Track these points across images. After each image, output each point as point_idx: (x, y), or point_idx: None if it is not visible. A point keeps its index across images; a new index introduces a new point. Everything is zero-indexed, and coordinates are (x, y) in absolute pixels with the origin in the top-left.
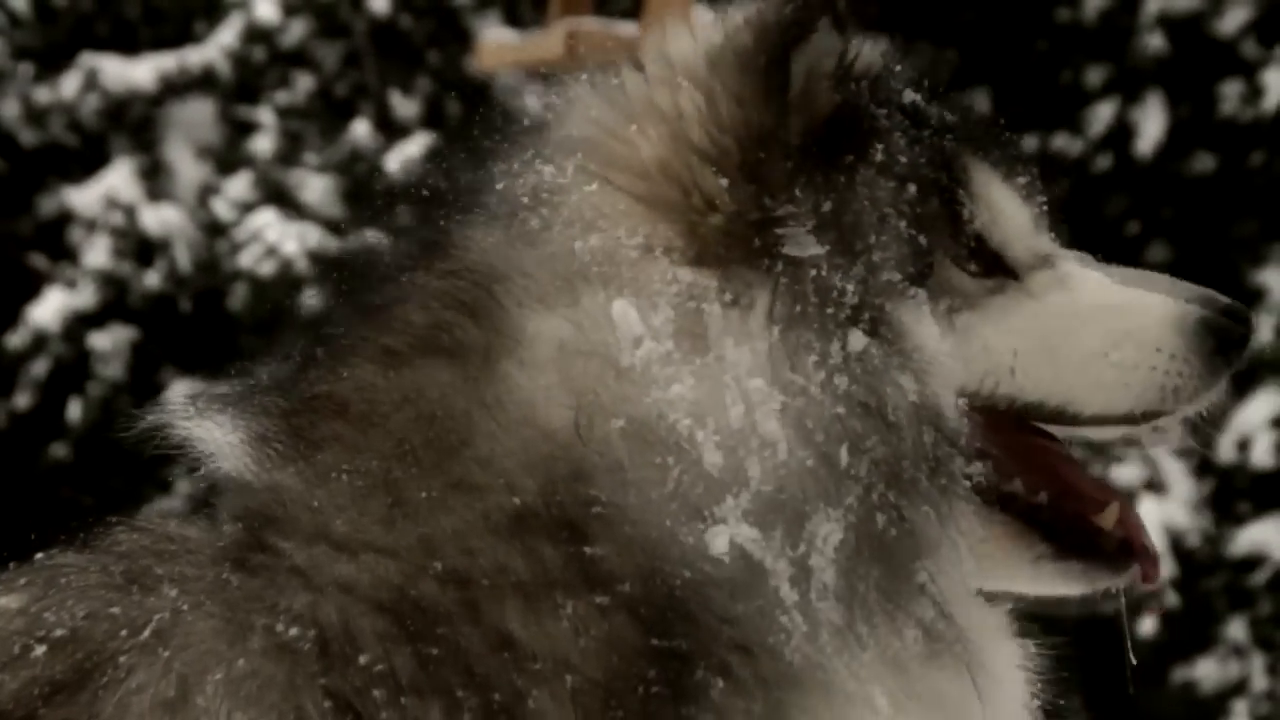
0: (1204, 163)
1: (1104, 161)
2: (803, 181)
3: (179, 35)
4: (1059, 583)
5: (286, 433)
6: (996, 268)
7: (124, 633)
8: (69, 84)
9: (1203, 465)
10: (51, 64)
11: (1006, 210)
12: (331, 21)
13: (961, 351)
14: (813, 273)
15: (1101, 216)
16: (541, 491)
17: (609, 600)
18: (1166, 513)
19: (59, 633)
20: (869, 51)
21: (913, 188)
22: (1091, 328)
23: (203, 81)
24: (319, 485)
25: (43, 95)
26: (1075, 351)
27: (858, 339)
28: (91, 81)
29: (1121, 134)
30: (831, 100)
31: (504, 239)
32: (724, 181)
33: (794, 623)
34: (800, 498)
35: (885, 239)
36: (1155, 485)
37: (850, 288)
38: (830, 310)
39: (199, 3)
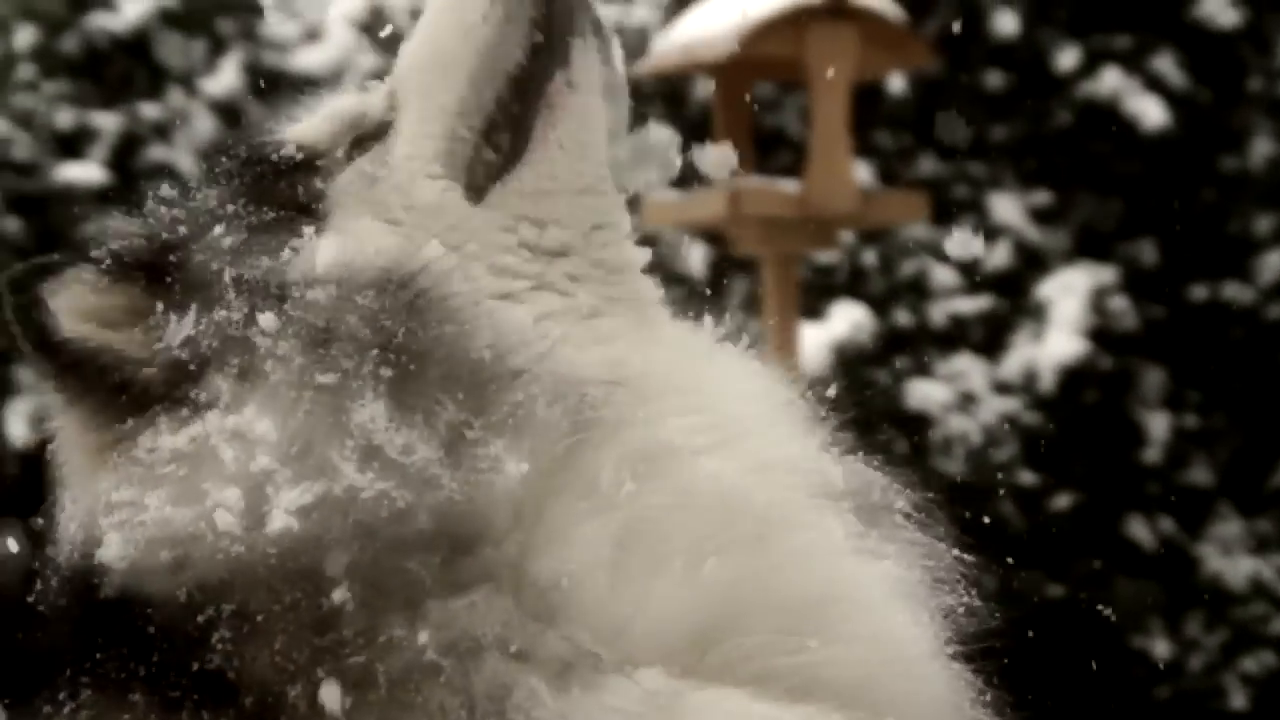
0: None
1: (1275, 310)
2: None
3: None
4: None
5: None
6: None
7: None
8: None
9: None
10: None
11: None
12: None
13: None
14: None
15: (1276, 367)
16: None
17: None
18: None
19: None
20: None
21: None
22: None
23: None
24: None
25: None
26: None
27: (267, 320)
28: None
29: None
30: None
31: None
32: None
33: (414, 491)
34: (315, 433)
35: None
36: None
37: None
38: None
39: None
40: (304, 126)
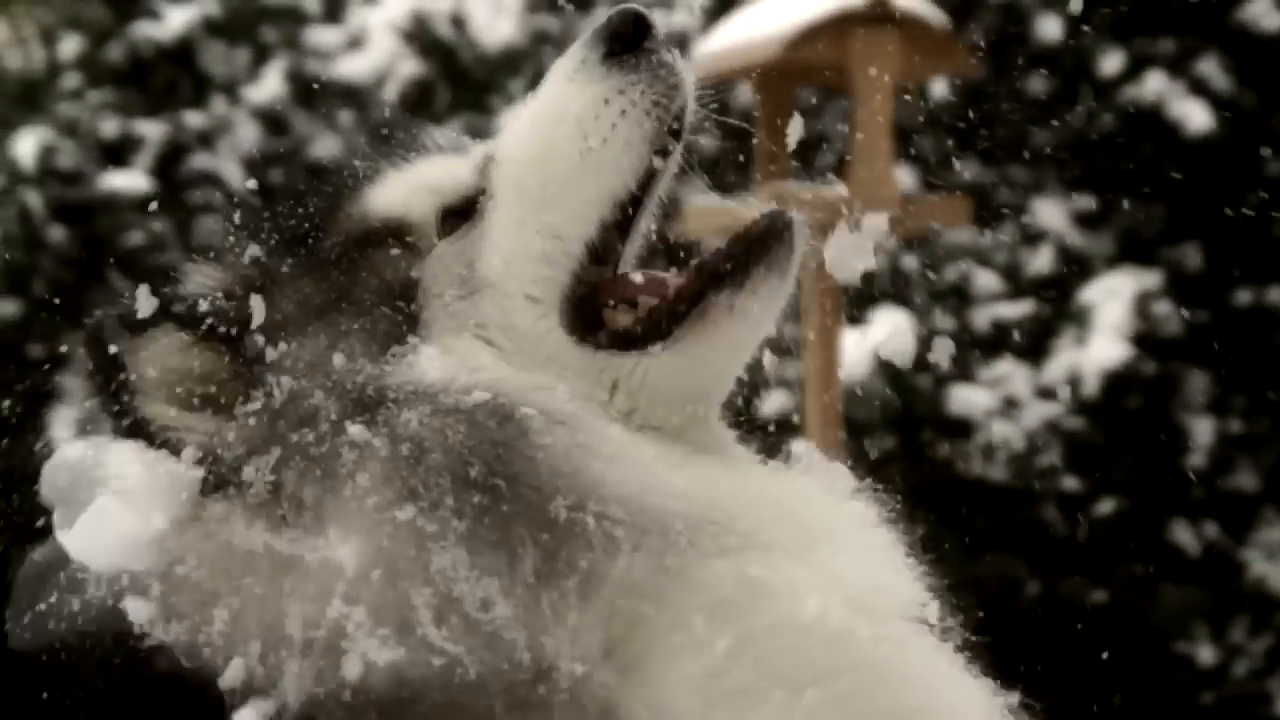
0: None
1: None
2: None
3: None
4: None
5: None
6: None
7: None
8: None
9: None
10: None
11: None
12: None
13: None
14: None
15: None
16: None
17: None
18: None
19: None
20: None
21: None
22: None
23: None
24: None
25: None
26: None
27: (357, 431)
28: None
29: None
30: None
31: None
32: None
33: (485, 660)
34: (396, 570)
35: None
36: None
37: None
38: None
39: None
40: (385, 194)
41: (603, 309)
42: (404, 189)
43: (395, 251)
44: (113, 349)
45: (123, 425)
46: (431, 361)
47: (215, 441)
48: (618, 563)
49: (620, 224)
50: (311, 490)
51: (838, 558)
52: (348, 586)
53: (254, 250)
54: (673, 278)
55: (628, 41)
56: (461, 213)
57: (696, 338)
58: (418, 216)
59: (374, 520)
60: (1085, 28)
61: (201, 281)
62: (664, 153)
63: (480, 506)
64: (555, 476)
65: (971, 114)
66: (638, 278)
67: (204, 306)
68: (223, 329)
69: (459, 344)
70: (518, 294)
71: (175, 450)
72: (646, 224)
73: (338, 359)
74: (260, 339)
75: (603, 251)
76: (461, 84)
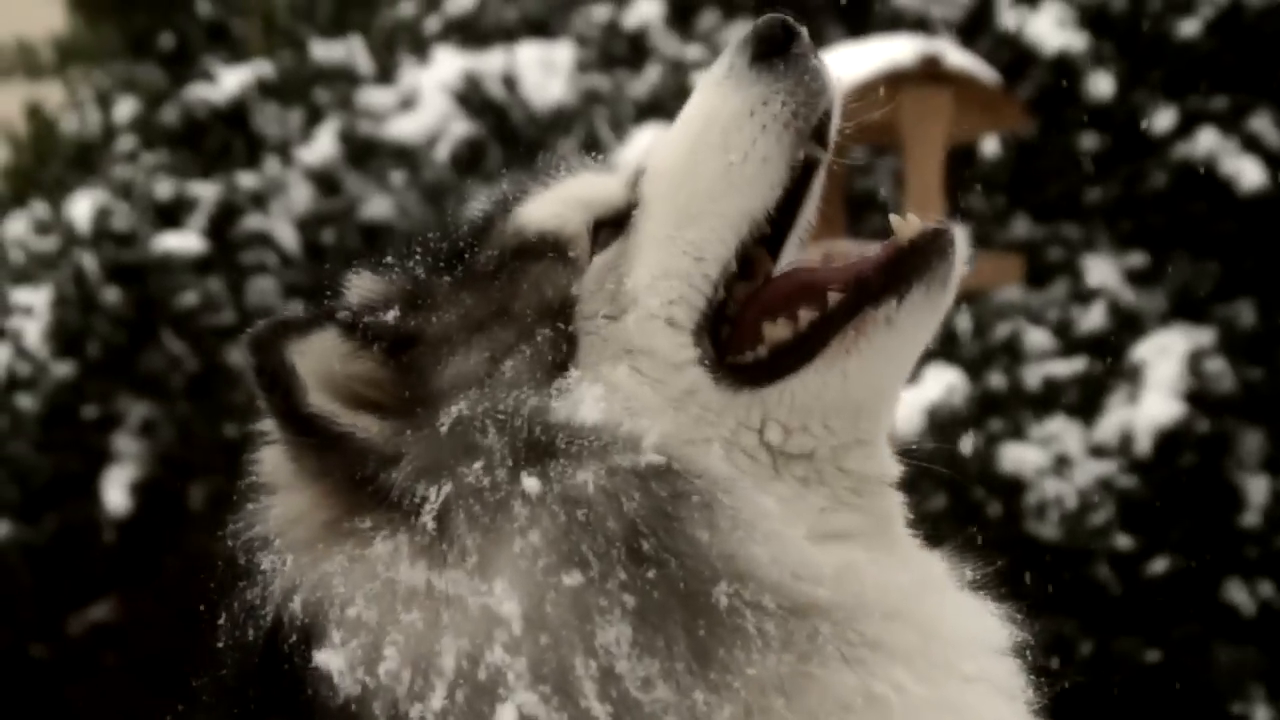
0: None
1: None
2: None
3: None
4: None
5: None
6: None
7: None
8: None
9: None
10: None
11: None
12: None
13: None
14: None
15: None
16: None
17: None
18: None
19: None
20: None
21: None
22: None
23: None
24: None
25: None
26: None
27: (531, 483)
28: None
29: None
30: (371, 369)
31: None
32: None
33: None
34: (561, 637)
35: (503, 392)
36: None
37: (494, 462)
38: (489, 492)
39: None
40: (540, 208)
41: (762, 323)
42: (556, 203)
43: (554, 265)
44: (278, 351)
45: (291, 422)
46: (595, 402)
47: (384, 446)
48: (767, 660)
49: (768, 239)
50: (480, 539)
51: (966, 693)
52: (510, 639)
53: (413, 265)
54: (836, 276)
55: (776, 46)
56: (614, 225)
57: (851, 350)
58: (572, 230)
59: (543, 583)
60: (1137, 85)
61: (361, 292)
62: (812, 164)
63: (649, 582)
64: (719, 559)
65: (1023, 171)
66: (803, 274)
67: (366, 316)
68: (383, 338)
69: (612, 374)
70: (660, 315)
71: (342, 444)
72: (802, 234)
73: (502, 382)
74: (423, 351)
75: (749, 268)
76: (513, 144)
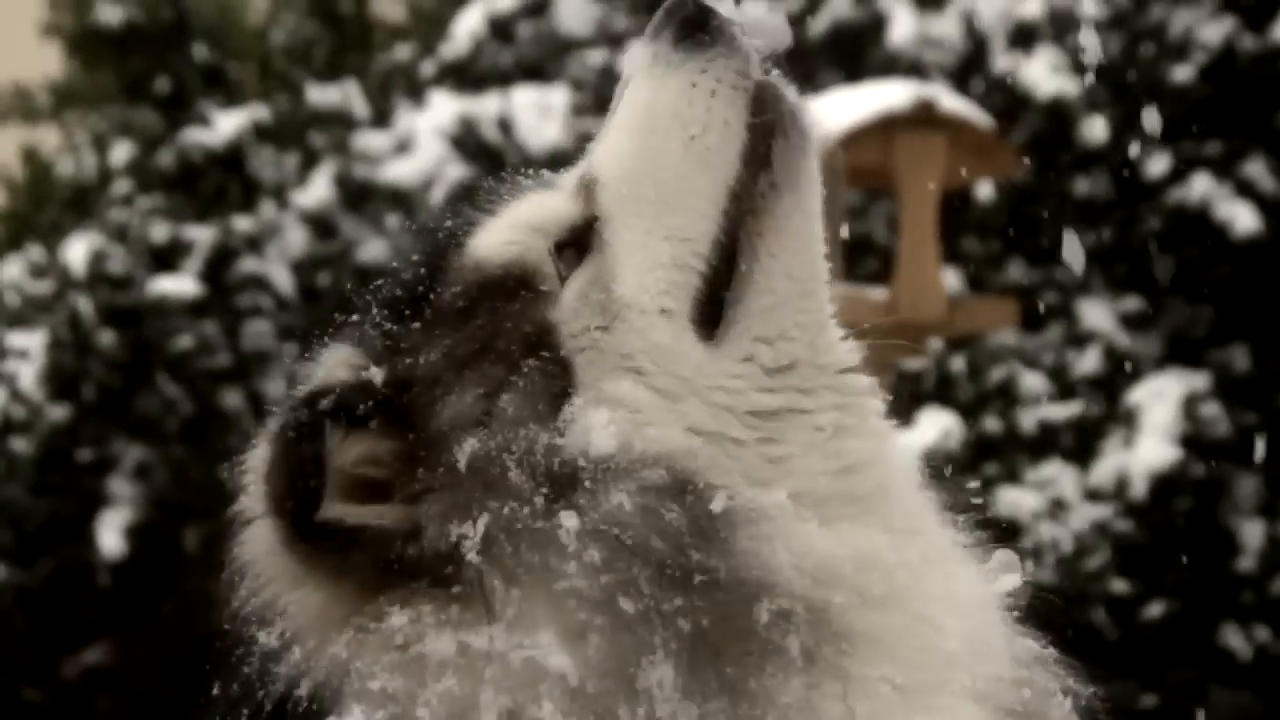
0: None
1: None
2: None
3: None
4: None
5: None
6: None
7: None
8: None
9: None
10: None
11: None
12: None
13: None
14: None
15: None
16: None
17: None
18: None
19: None
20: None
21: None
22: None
23: None
24: None
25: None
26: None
27: (569, 518)
28: None
29: None
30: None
31: None
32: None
33: None
34: (606, 687)
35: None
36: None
37: (516, 511)
38: (527, 525)
39: None
40: (494, 237)
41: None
42: (510, 230)
43: (525, 298)
44: (320, 447)
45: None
46: (604, 429)
47: (401, 526)
48: (792, 683)
49: (750, 210)
50: (518, 585)
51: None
52: (559, 691)
53: (375, 317)
54: None
55: (696, 23)
56: (575, 245)
57: (760, 232)
58: (534, 258)
59: (589, 624)
60: (1131, 130)
61: (334, 368)
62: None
63: (696, 604)
64: (758, 569)
65: (1018, 215)
66: None
67: (353, 396)
68: (378, 405)
69: (616, 389)
70: (654, 308)
71: (358, 541)
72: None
73: (506, 419)
74: (419, 393)
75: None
76: None
